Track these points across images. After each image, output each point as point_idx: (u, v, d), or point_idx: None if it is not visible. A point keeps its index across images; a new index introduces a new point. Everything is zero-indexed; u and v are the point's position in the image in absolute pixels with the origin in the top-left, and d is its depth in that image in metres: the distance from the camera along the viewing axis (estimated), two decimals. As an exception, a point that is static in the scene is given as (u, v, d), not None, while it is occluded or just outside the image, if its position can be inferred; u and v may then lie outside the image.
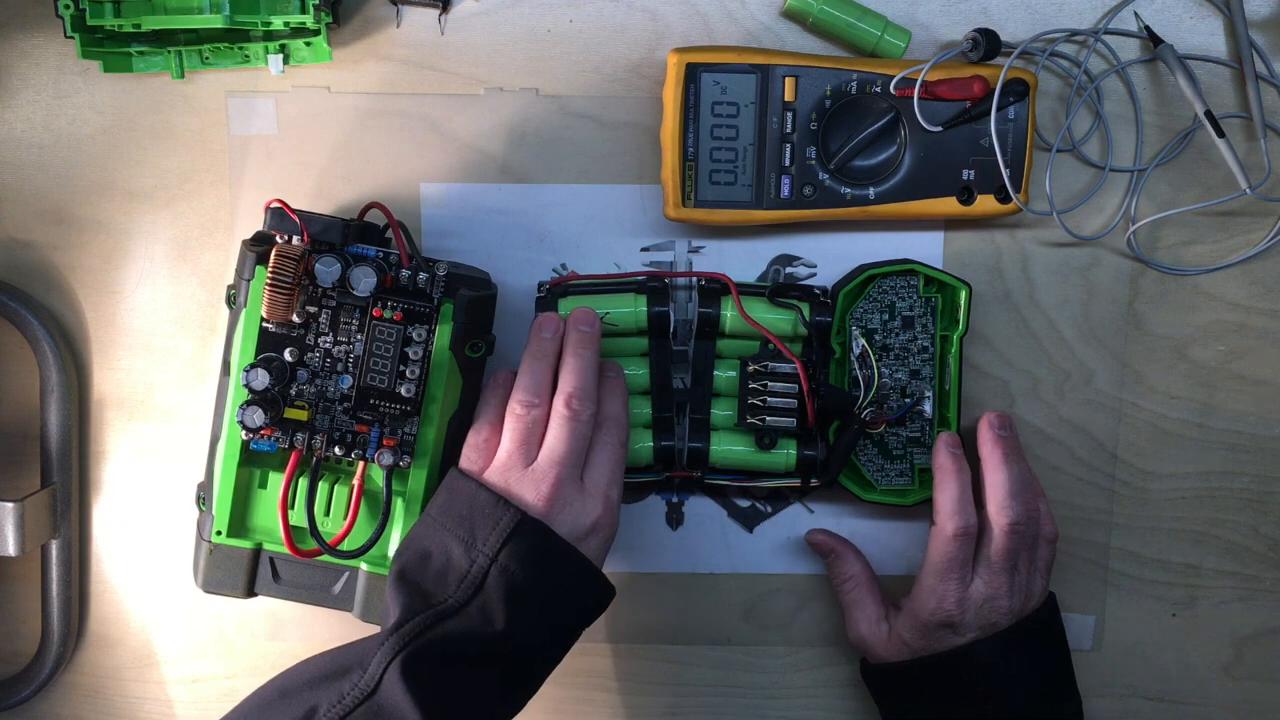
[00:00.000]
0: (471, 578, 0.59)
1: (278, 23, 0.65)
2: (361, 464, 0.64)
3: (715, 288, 0.68)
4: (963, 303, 0.68)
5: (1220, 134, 0.66)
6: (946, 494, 0.66)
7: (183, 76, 0.68)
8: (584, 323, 0.65)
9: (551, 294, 0.68)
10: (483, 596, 0.59)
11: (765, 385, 0.67)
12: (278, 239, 0.63)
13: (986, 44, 0.65)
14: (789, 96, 0.66)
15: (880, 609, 0.70)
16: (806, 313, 0.67)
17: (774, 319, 0.68)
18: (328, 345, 0.64)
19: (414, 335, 0.63)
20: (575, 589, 0.62)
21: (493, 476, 0.62)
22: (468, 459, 0.64)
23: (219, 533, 0.65)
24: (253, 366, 0.61)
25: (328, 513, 0.65)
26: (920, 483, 0.70)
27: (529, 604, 0.60)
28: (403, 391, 0.62)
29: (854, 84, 0.66)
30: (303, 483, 0.64)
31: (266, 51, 0.68)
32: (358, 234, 0.64)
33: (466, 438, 0.64)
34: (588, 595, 0.63)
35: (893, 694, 0.70)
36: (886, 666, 0.69)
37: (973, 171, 0.67)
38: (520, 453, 0.62)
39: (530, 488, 0.61)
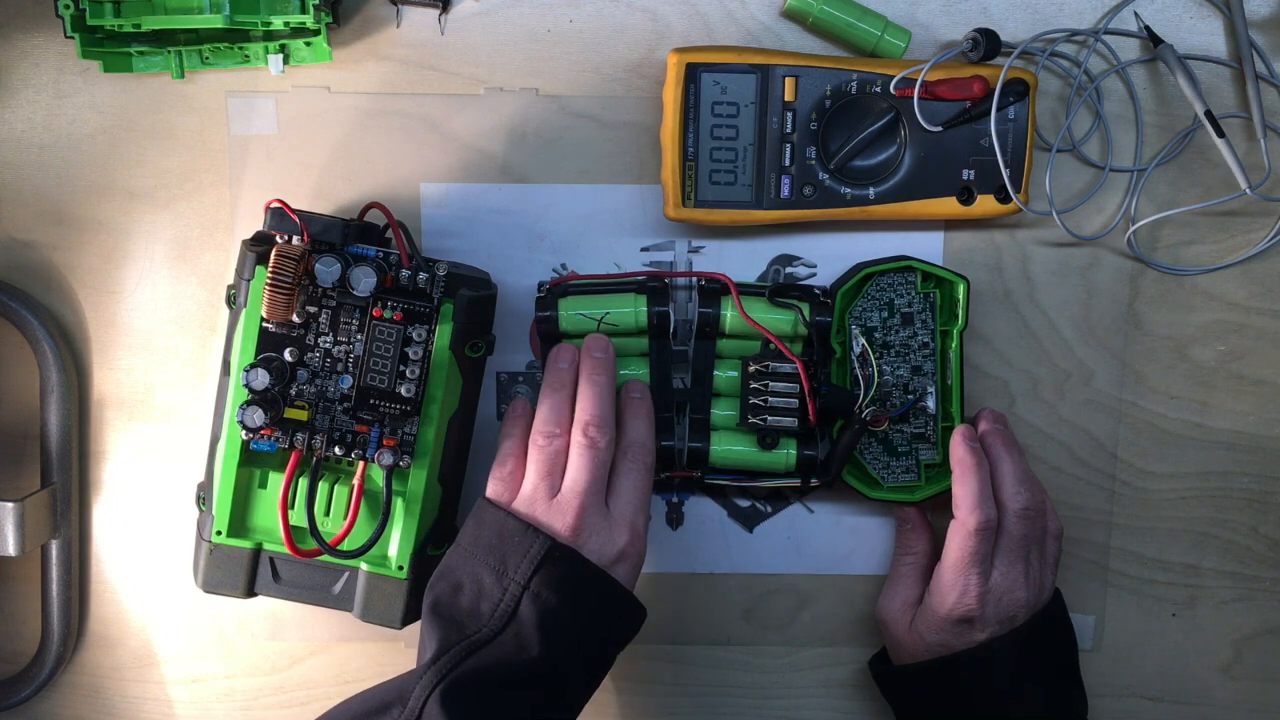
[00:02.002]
0: (504, 606, 0.60)
1: (278, 23, 0.65)
2: (361, 464, 0.64)
3: (715, 288, 0.68)
4: (961, 297, 0.68)
5: (1220, 134, 0.66)
6: (967, 488, 0.65)
7: (183, 76, 0.68)
8: (597, 349, 0.66)
9: (551, 294, 0.68)
10: (516, 624, 0.60)
11: (766, 385, 0.67)
12: (278, 239, 0.63)
13: (986, 44, 0.65)
14: (789, 96, 0.66)
15: (916, 596, 0.70)
16: (806, 313, 0.67)
17: (774, 319, 0.68)
18: (328, 345, 0.64)
19: (414, 335, 0.63)
20: (608, 613, 0.63)
21: (520, 507, 0.63)
22: (494, 490, 0.64)
23: (219, 533, 0.65)
24: (253, 366, 0.61)
25: (328, 513, 0.65)
26: (926, 479, 0.70)
27: (563, 630, 0.60)
28: (403, 391, 0.62)
29: (854, 84, 0.66)
30: (303, 483, 0.64)
31: (266, 51, 0.68)
32: (358, 234, 0.64)
33: (491, 469, 0.65)
34: (620, 619, 0.63)
35: (911, 696, 0.70)
36: (905, 669, 0.69)
37: (973, 171, 0.67)
38: (545, 484, 0.63)
39: (557, 517, 0.62)
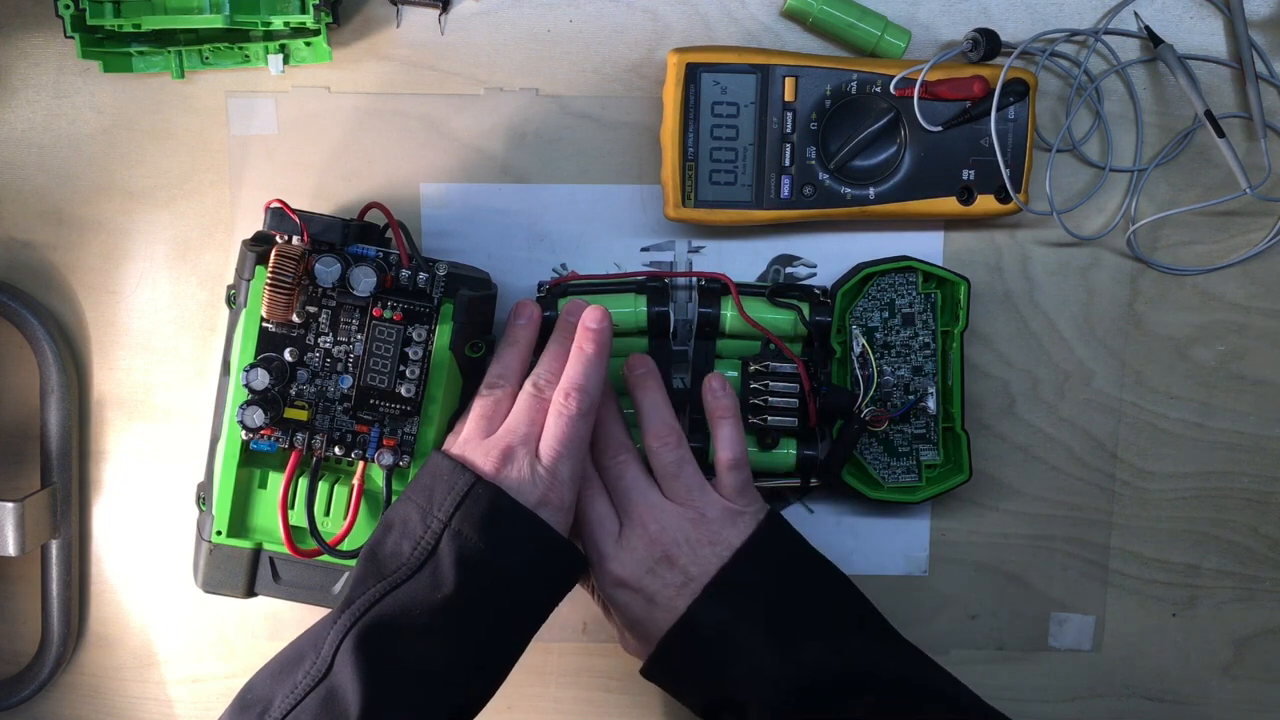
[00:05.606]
0: (425, 544, 0.58)
1: (278, 23, 0.65)
2: (361, 464, 0.64)
3: (715, 288, 0.68)
4: (962, 297, 0.68)
5: (1220, 134, 0.66)
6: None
7: (183, 76, 0.68)
8: (591, 321, 0.63)
9: (551, 294, 0.68)
10: (434, 562, 0.58)
11: (767, 385, 0.67)
12: (278, 239, 0.63)
13: (986, 44, 0.65)
14: (789, 96, 0.66)
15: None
16: (806, 312, 0.67)
17: (774, 319, 0.68)
18: (328, 345, 0.64)
19: (414, 335, 0.63)
20: (534, 555, 0.60)
21: (452, 448, 0.62)
22: (447, 442, 0.64)
23: (219, 533, 0.65)
24: (253, 366, 0.61)
25: (328, 513, 0.65)
26: (927, 479, 0.70)
27: (481, 569, 0.58)
28: (403, 391, 0.62)
29: (854, 84, 0.66)
30: (303, 483, 0.64)
31: (266, 51, 0.68)
32: (358, 234, 0.64)
33: None
34: (549, 562, 0.60)
35: (674, 688, 0.65)
36: (649, 670, 0.64)
37: (973, 171, 0.67)
38: (478, 427, 0.62)
39: (481, 455, 0.60)
